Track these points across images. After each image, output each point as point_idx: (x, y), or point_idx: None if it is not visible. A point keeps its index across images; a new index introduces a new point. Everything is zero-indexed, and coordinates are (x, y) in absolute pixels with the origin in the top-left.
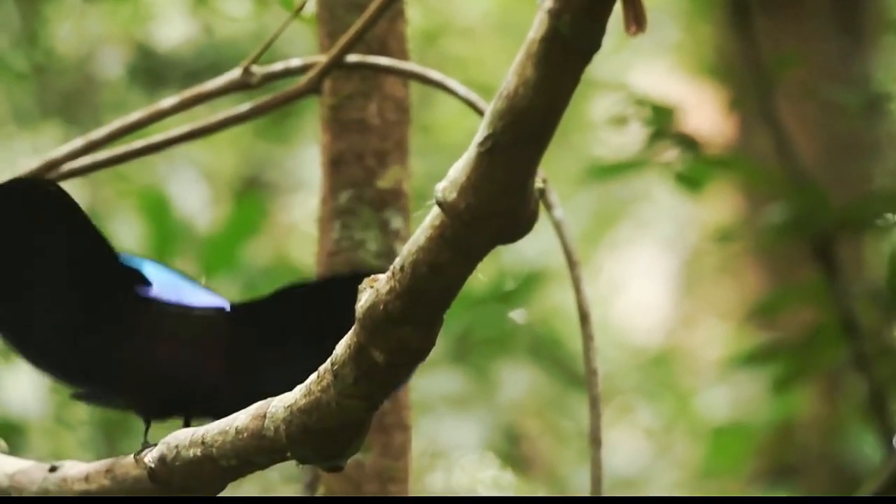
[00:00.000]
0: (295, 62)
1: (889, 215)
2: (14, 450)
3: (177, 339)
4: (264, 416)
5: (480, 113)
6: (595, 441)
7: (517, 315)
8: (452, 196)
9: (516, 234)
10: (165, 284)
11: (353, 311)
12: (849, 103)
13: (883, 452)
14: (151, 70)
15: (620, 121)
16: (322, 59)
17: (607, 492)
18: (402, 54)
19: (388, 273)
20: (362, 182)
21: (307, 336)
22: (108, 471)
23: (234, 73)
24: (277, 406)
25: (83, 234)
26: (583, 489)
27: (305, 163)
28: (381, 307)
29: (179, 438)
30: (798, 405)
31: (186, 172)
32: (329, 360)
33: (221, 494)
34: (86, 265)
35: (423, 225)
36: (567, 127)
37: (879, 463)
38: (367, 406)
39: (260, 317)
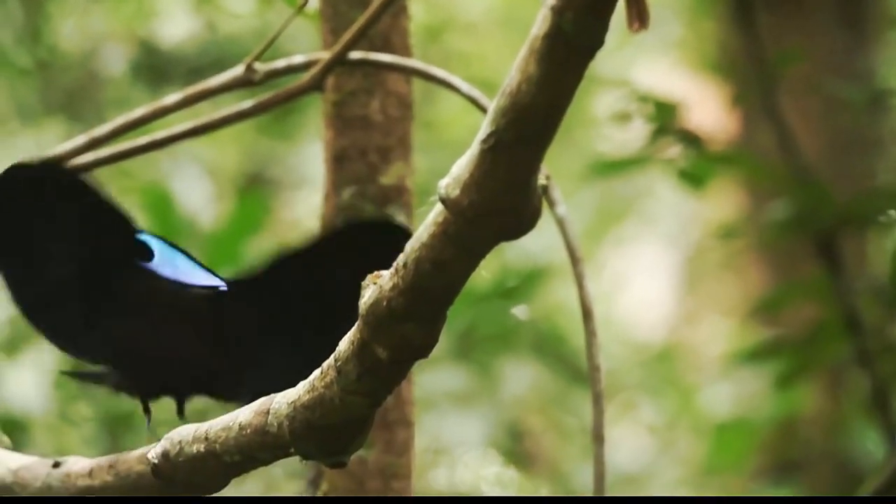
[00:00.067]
0: (298, 59)
1: (892, 211)
2: (17, 446)
3: (168, 315)
4: (267, 412)
5: (483, 110)
6: (598, 437)
7: (520, 312)
8: (455, 193)
9: (519, 230)
10: (165, 261)
11: (353, 264)
12: (852, 99)
13: (886, 449)
14: (155, 67)
15: (623, 117)
16: (325, 55)
17: (610, 488)
18: (406, 51)
19: (392, 269)
20: (365, 178)
21: (308, 303)
22: (112, 466)
23: (238, 70)
24: (281, 402)
25: (96, 206)
26: (586, 486)
27: (308, 159)
28: (385, 304)
29: (183, 434)
30: (801, 401)
31: (190, 169)
32: (332, 357)
33: (224, 491)
34: (98, 234)
35: (427, 222)
36: (570, 123)
37: (882, 459)
38: (370, 402)
39: (257, 292)
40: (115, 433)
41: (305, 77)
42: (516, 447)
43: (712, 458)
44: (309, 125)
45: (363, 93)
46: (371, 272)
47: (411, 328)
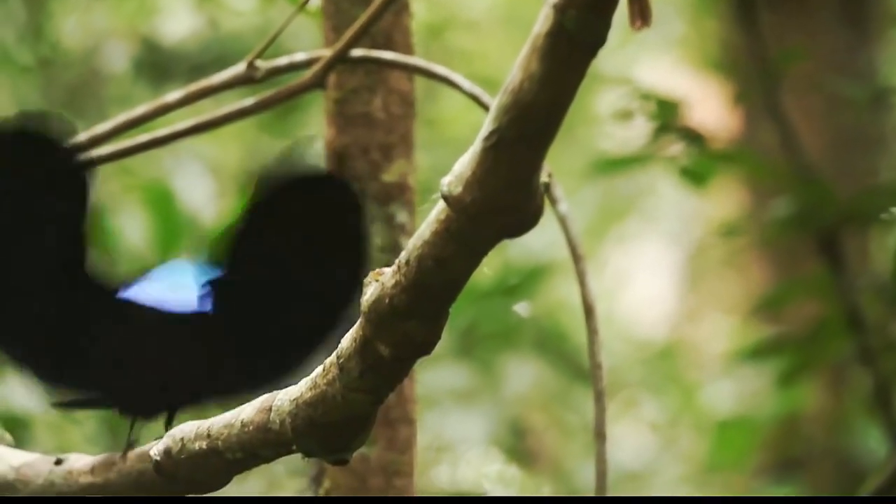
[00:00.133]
0: (300, 56)
1: (894, 209)
2: (20, 443)
3: (148, 342)
4: (270, 409)
5: (485, 107)
6: (600, 435)
7: (522, 309)
8: (458, 190)
9: (521, 228)
10: (153, 287)
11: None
12: (854, 97)
13: (888, 446)
14: (157, 64)
15: (626, 115)
16: (327, 53)
17: (612, 486)
18: (408, 48)
19: (394, 267)
20: (367, 176)
21: (276, 289)
22: (114, 464)
23: (239, 68)
24: (283, 399)
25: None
26: (587, 483)
27: (310, 157)
28: (387, 301)
29: (185, 431)
30: (803, 399)
31: (192, 166)
32: (335, 354)
33: (226, 489)
34: (64, 269)
35: (429, 219)
36: (572, 121)
37: (884, 457)
38: (372, 400)
39: (228, 295)
40: (116, 431)
41: (307, 74)
42: (518, 444)
43: (714, 456)
44: (311, 123)
45: (365, 90)
46: (322, 232)
47: (413, 325)
